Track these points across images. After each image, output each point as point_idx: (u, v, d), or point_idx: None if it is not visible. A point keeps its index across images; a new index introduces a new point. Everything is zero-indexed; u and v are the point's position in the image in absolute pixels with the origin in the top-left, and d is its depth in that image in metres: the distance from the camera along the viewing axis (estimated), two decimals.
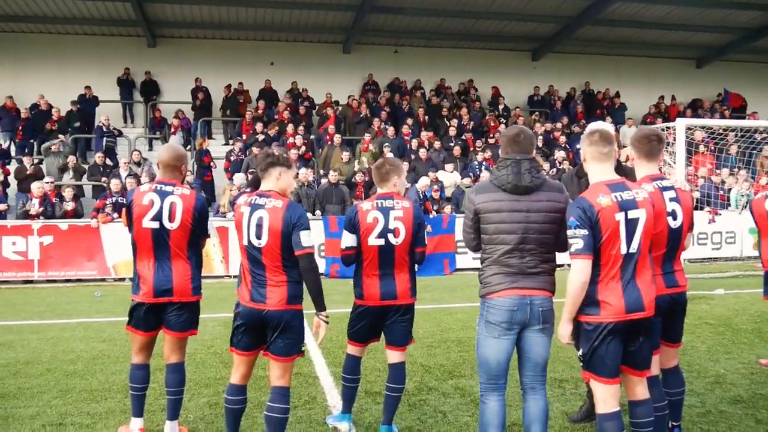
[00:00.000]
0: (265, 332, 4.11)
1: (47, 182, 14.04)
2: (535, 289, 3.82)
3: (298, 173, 15.38)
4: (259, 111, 19.57)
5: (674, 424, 4.39)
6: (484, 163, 16.90)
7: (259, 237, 4.03)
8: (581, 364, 3.77)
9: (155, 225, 4.47)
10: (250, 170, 16.06)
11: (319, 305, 4.11)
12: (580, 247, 3.59)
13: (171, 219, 4.48)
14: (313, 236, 4.22)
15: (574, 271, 3.62)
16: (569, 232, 3.64)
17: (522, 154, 3.87)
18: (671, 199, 4.06)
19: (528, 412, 3.92)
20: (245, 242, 4.10)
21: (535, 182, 3.82)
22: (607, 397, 3.69)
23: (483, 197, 3.89)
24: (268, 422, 4.11)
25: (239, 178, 14.75)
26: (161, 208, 4.47)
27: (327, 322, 4.15)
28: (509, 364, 3.90)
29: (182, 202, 4.50)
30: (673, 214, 4.05)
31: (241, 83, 20.80)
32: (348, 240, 4.63)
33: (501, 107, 21.61)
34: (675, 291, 4.12)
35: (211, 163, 16.87)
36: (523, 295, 3.79)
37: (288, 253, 4.02)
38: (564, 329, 3.74)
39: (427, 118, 20.04)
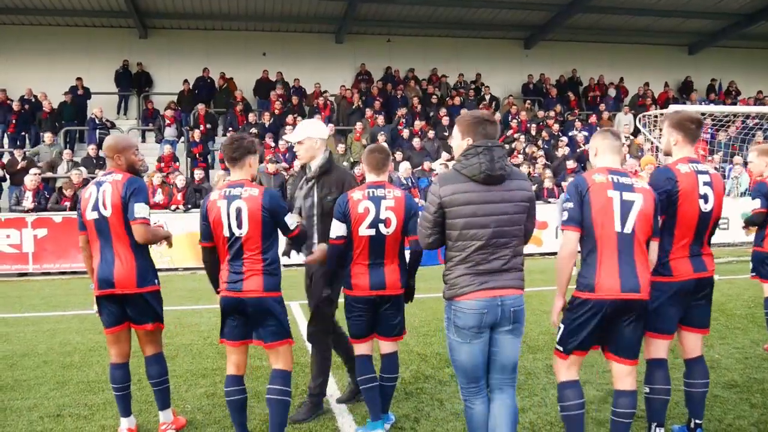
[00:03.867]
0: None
1: (35, 173, 13.95)
2: (506, 288, 3.54)
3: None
4: (240, 101, 19.56)
5: (697, 422, 4.30)
6: None
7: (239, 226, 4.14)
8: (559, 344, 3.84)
9: (95, 215, 4.47)
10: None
11: None
12: (565, 219, 3.74)
13: (104, 206, 4.45)
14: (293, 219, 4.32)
15: (562, 242, 3.77)
16: (564, 205, 3.76)
17: (492, 141, 3.57)
18: (705, 183, 4.04)
19: (494, 413, 3.61)
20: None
21: (507, 171, 3.55)
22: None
23: (449, 188, 3.53)
24: (268, 403, 4.26)
25: None
26: (97, 197, 4.47)
27: None
28: (486, 362, 3.66)
29: (111, 188, 4.46)
30: (705, 198, 4.03)
31: (229, 74, 20.78)
32: (338, 229, 4.53)
33: (488, 96, 21.56)
34: (702, 275, 4.09)
35: (197, 156, 16.90)
36: (493, 296, 3.51)
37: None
38: (555, 304, 3.80)
39: (420, 107, 20.00)
